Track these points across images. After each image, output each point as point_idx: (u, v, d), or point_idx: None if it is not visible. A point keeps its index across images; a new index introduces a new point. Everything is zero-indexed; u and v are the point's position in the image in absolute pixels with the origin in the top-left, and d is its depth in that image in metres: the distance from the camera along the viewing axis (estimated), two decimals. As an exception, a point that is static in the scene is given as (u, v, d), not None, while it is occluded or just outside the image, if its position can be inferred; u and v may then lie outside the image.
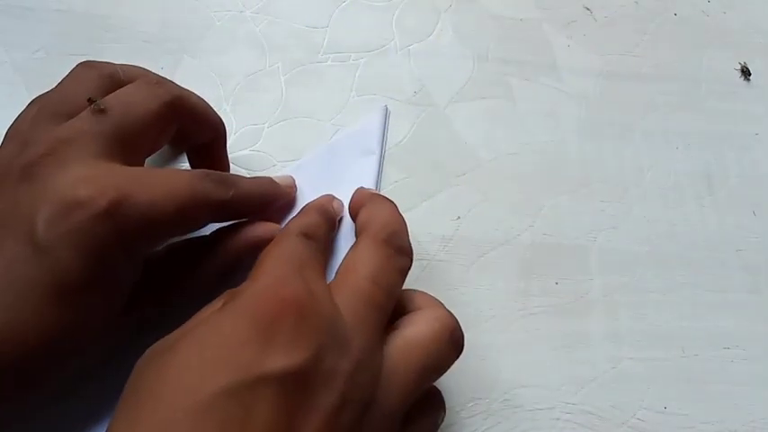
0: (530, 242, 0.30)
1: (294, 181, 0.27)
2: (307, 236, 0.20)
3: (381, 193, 0.29)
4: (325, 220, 0.23)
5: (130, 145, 0.21)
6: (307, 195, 0.27)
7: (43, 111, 0.21)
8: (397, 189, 0.30)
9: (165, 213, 0.20)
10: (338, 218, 0.24)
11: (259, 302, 0.17)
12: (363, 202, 0.23)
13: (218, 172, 0.23)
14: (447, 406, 0.26)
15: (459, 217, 0.30)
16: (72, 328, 0.19)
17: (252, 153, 0.30)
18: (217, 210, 0.22)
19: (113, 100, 0.21)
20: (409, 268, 0.21)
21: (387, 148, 0.30)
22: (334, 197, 0.25)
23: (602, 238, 0.30)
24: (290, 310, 0.16)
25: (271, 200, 0.25)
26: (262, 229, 0.23)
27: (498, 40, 0.33)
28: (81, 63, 0.22)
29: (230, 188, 0.22)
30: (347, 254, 0.20)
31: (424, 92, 0.32)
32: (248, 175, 0.29)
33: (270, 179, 0.25)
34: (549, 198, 0.31)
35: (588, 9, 0.34)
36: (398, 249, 0.20)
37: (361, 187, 0.25)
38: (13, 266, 0.18)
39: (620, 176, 0.32)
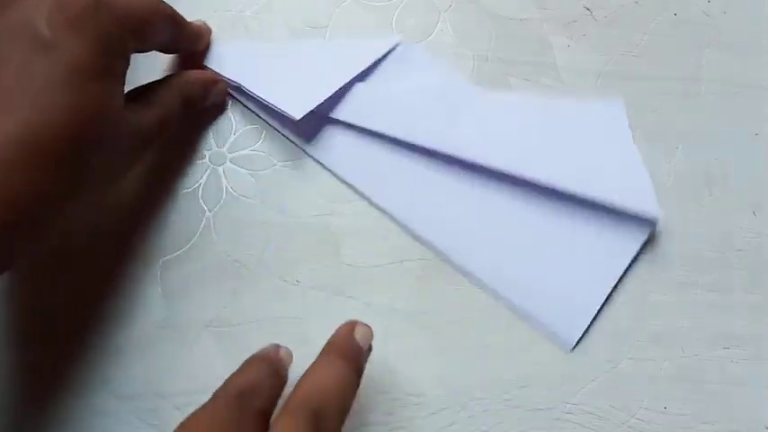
0: (530, 242, 0.30)
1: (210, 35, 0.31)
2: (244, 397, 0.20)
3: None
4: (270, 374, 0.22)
5: None
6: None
7: None
8: (397, 189, 0.30)
9: (142, 13, 0.23)
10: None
11: None
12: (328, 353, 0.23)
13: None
14: (446, 405, 0.26)
15: (459, 217, 0.30)
16: (87, 116, 0.20)
17: (252, 153, 0.30)
18: (173, 27, 0.26)
19: None
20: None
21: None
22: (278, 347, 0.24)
23: (602, 238, 0.30)
24: None
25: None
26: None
27: (498, 40, 0.33)
28: None
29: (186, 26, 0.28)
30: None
31: (424, 92, 0.32)
32: (249, 175, 0.29)
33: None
34: (548, 198, 0.31)
35: (588, 9, 0.34)
36: (319, 418, 0.20)
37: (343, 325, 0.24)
38: (25, 70, 0.19)
39: (620, 176, 0.31)
